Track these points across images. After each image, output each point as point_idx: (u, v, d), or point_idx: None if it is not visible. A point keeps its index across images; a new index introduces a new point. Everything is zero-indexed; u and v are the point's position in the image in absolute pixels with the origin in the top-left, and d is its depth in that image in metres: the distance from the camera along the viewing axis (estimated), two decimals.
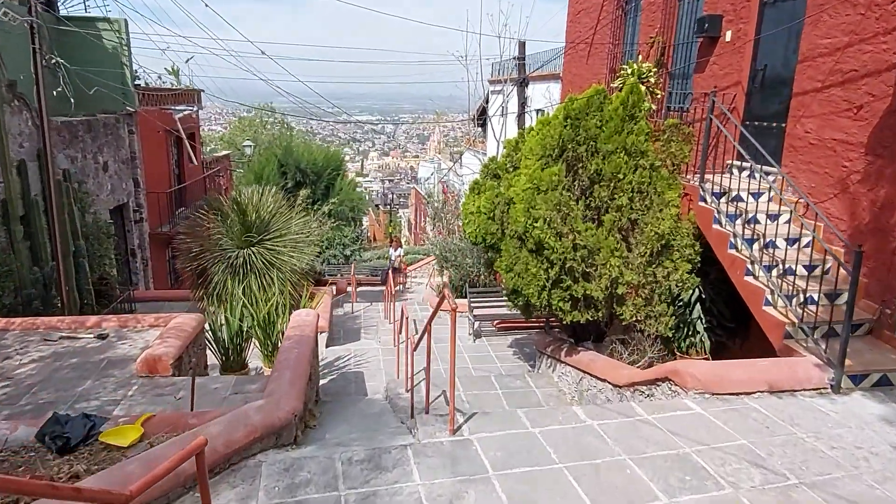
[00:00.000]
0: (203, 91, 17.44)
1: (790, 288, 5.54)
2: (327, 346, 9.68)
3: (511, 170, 7.18)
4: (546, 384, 7.39)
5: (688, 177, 7.21)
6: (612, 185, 6.23)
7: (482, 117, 20.42)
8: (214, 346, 7.37)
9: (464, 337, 10.32)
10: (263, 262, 10.11)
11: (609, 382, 5.91)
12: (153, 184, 13.37)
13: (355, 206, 49.88)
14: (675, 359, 7.46)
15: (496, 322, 10.43)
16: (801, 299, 5.48)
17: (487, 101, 20.19)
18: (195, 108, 15.98)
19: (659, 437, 4.02)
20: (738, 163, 7.24)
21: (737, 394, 4.63)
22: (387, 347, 9.76)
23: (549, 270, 6.12)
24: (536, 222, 6.07)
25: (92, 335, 6.59)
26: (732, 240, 6.10)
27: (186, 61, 16.11)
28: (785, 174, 6.28)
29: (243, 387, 5.71)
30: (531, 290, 6.32)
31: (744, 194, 6.50)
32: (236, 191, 11.17)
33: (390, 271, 19.27)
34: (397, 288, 19.85)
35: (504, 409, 6.58)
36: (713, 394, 4.63)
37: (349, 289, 21.18)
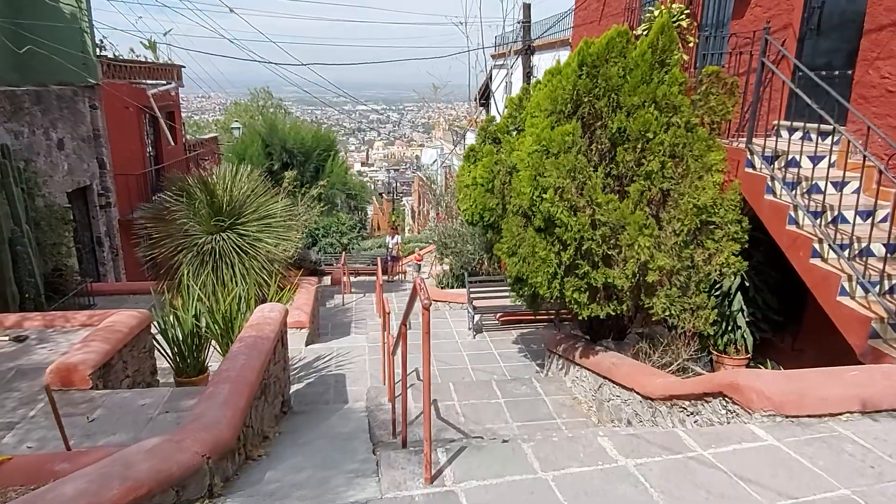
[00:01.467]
0: (183, 67, 16.26)
1: (875, 274, 4.31)
2: (307, 345, 8.53)
3: (514, 132, 5.95)
4: (557, 390, 6.20)
5: (728, 140, 5.97)
6: (638, 146, 4.99)
7: (485, 95, 19.13)
8: (165, 348, 6.22)
9: (463, 332, 9.14)
10: (235, 249, 8.96)
11: (637, 393, 4.72)
12: (124, 166, 12.20)
13: (356, 194, 48.63)
14: (713, 359, 6.25)
15: (499, 315, 9.25)
16: (886, 287, 4.26)
17: (490, 78, 18.88)
18: (173, 85, 14.78)
19: (723, 486, 2.83)
20: (788, 122, 5.98)
21: (819, 416, 3.43)
22: (375, 345, 8.60)
23: (562, 254, 4.92)
24: (545, 193, 4.86)
25: (7, 338, 5.45)
26: (793, 212, 4.87)
27: (165, 34, 14.84)
28: (851, 134, 5.03)
29: (179, 402, 4.57)
30: (539, 279, 5.12)
31: (800, 158, 5.26)
32: (208, 170, 10.02)
33: (388, 260, 18.16)
34: (396, 277, 18.72)
35: (507, 424, 5.41)
36: (787, 416, 3.43)
37: (354, 278, 20.19)
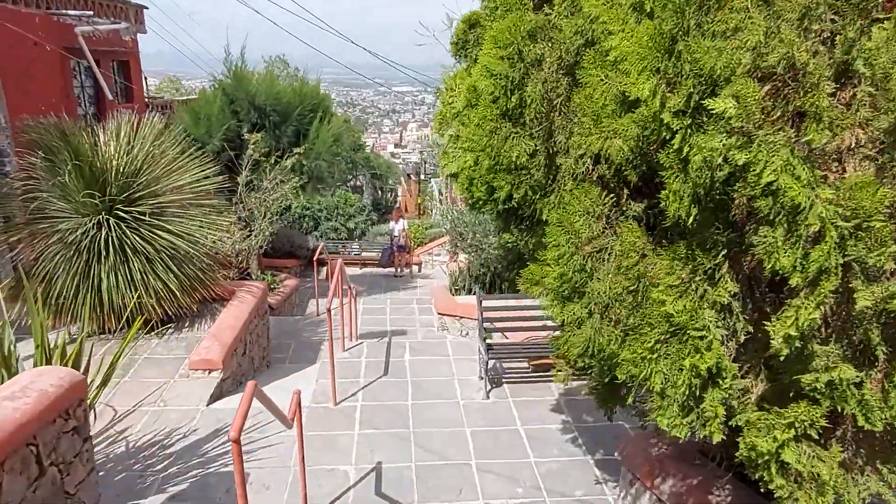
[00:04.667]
0: (146, 8, 13.07)
1: None
2: (213, 400, 5.18)
3: None
4: None
5: None
6: None
7: None
8: None
9: (470, 384, 5.68)
10: (122, 241, 5.70)
11: None
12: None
13: (382, 174, 45.71)
14: None
15: (531, 359, 5.73)
16: None
17: None
18: (124, 26, 11.57)
19: None
20: None
21: None
22: (321, 405, 5.22)
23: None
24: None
25: None
26: None
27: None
28: None
29: None
30: (672, 382, 1.62)
31: None
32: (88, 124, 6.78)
33: (394, 249, 14.78)
34: (406, 271, 15.33)
35: None
36: None
37: (359, 270, 16.90)
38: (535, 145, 2.05)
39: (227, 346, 5.51)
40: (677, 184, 1.65)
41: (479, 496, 3.97)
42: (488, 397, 5.27)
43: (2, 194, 6.07)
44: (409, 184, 47.18)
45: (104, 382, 3.66)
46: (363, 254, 17.67)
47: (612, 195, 1.95)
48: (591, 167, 1.97)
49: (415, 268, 16.43)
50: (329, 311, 5.04)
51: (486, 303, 5.57)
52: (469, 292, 9.59)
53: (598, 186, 1.96)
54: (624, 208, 2.00)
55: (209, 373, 5.34)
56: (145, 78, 13.68)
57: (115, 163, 5.98)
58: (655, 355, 1.66)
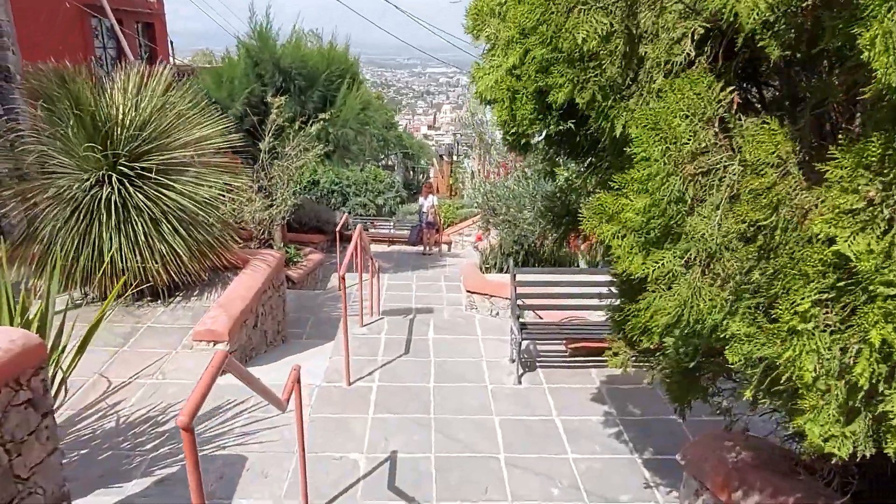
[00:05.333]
0: None
1: None
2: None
3: None
4: None
5: None
6: None
7: None
8: None
9: (500, 367, 5.10)
10: (128, 201, 5.27)
11: None
12: None
13: (414, 154, 45.20)
14: None
15: (569, 341, 5.11)
16: None
17: None
18: None
19: None
20: None
21: None
22: (333, 385, 4.71)
23: None
24: None
25: None
26: None
27: None
28: None
29: None
30: (821, 371, 0.99)
31: None
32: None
33: (423, 226, 14.22)
34: (435, 250, 14.78)
35: None
36: None
37: (387, 248, 16.43)
38: (611, 24, 1.44)
39: (234, 317, 5.04)
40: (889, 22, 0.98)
41: (507, 496, 3.41)
42: (520, 382, 4.69)
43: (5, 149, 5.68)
44: (441, 165, 46.65)
45: (79, 350, 3.20)
46: (392, 231, 17.21)
47: (731, 89, 1.32)
48: (692, 54, 1.36)
49: (444, 247, 15.88)
50: (342, 278, 4.50)
51: (520, 277, 4.96)
52: (500, 270, 8.99)
53: (711, 75, 1.34)
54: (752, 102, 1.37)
55: (214, 345, 4.88)
56: (171, 42, 13.30)
57: (119, 115, 5.53)
58: (811, 325, 1.06)
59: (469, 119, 9.43)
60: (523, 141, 2.26)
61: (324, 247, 13.06)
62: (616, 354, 2.35)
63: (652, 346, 2.05)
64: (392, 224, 17.29)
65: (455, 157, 47.77)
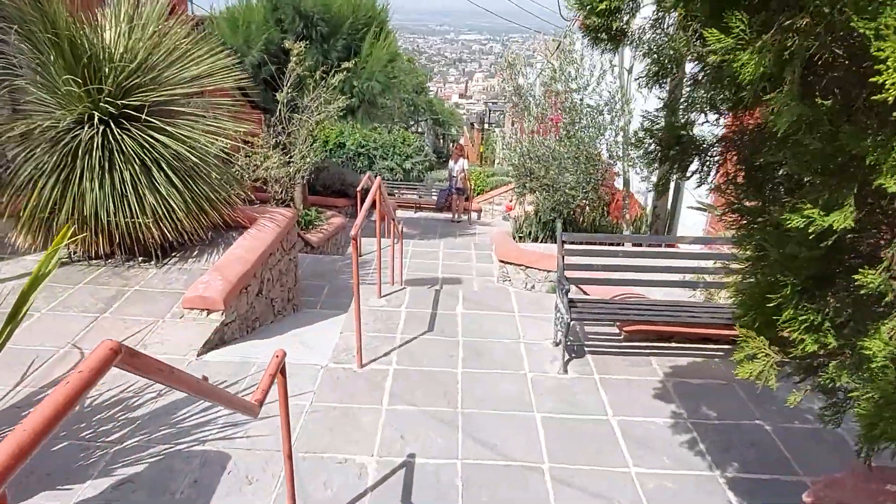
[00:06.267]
0: None
1: None
2: (205, 350, 4.01)
3: None
4: None
5: None
6: None
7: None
8: None
9: (541, 352, 4.29)
10: (117, 146, 4.56)
11: None
12: None
13: (445, 121, 44.08)
14: None
15: (624, 324, 4.27)
16: None
17: None
18: None
19: None
20: None
21: None
22: (343, 366, 3.98)
23: None
24: None
25: None
26: None
27: None
28: None
29: None
30: None
31: None
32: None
33: (452, 192, 13.38)
34: (464, 217, 13.96)
35: None
36: None
37: (414, 214, 15.63)
38: None
39: (232, 283, 4.33)
40: None
41: None
42: (566, 371, 3.89)
43: None
44: (472, 133, 45.54)
45: (11, 317, 2.50)
46: (419, 197, 16.41)
47: None
48: None
49: (473, 215, 15.05)
50: (355, 239, 3.72)
51: (567, 241, 4.11)
52: (535, 240, 8.15)
53: None
54: None
55: (207, 314, 4.19)
56: None
57: (106, 45, 4.78)
58: None
59: (507, 71, 8.43)
60: (615, 24, 1.42)
61: (347, 211, 12.37)
62: (762, 355, 1.52)
63: (823, 353, 1.23)
64: (418, 196, 16.49)
65: (486, 125, 46.59)
